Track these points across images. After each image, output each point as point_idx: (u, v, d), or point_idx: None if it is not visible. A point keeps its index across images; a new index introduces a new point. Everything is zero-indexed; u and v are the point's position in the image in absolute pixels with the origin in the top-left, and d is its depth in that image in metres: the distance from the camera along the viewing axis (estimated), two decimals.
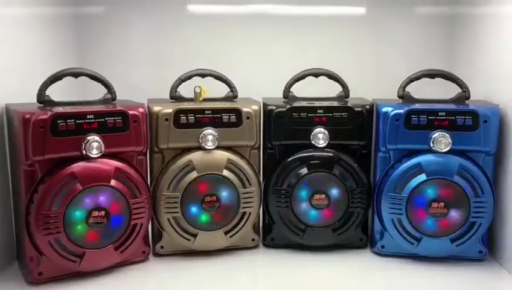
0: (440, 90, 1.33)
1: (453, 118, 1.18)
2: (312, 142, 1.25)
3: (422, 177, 1.19)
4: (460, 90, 1.28)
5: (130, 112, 1.16)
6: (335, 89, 1.37)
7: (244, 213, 1.26)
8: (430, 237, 1.20)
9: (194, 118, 1.21)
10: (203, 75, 1.32)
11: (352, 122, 1.25)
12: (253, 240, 1.31)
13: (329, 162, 1.26)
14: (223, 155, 1.23)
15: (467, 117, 1.17)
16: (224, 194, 1.24)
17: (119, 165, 1.14)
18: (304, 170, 1.26)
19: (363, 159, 1.29)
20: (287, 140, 1.27)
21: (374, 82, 1.53)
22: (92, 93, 1.23)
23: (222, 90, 1.34)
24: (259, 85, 1.42)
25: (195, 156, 1.22)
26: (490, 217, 1.19)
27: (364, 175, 1.27)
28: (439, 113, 1.19)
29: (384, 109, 1.22)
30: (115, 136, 1.14)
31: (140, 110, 1.18)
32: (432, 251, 1.22)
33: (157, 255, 1.27)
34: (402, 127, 1.20)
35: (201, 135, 1.22)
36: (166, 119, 1.20)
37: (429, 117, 1.19)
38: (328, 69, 1.34)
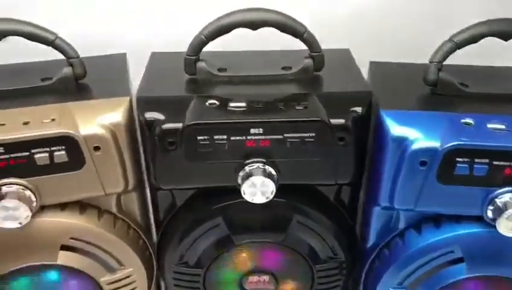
0: None
1: None
2: (243, 193, 0.59)
3: (460, 269, 0.58)
4: None
5: None
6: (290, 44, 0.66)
7: None
8: None
9: None
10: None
11: (325, 149, 0.59)
12: None
13: (276, 223, 0.63)
14: (58, 226, 0.59)
15: None
16: None
17: None
18: (226, 239, 0.63)
19: (343, 198, 0.66)
20: (187, 183, 0.62)
21: (375, 35, 0.78)
22: None
23: None
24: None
25: None
26: None
27: (344, 235, 0.65)
28: None
29: (396, 132, 0.55)
30: None
31: None
32: None
33: None
34: (433, 179, 0.54)
35: None
36: None
37: (495, 162, 0.53)
38: (282, 12, 0.61)
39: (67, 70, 0.62)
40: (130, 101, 0.60)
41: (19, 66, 0.65)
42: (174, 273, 0.66)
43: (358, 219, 0.70)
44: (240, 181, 0.59)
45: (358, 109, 0.59)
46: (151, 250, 0.68)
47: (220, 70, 0.64)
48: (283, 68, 0.65)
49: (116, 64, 0.68)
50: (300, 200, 0.63)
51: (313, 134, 0.57)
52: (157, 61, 0.69)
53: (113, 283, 0.64)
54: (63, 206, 0.60)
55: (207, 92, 0.62)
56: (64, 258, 0.60)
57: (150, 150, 0.60)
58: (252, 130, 0.57)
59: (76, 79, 0.62)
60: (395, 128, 0.55)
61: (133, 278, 0.65)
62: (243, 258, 0.65)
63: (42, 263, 0.60)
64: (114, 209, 0.64)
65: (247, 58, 0.68)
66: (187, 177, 0.60)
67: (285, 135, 0.57)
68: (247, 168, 0.58)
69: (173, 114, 0.58)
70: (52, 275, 0.62)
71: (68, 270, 0.62)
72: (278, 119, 0.57)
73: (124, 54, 0.70)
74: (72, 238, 0.60)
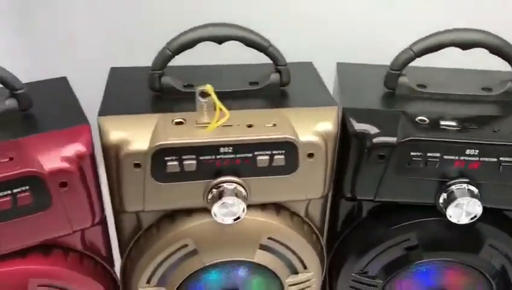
0: None
1: None
2: (448, 216, 0.59)
3: None
4: None
5: None
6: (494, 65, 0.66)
7: None
8: None
9: (195, 163, 0.56)
10: (219, 39, 0.62)
11: None
12: None
13: (469, 244, 0.63)
14: (259, 226, 0.62)
15: None
16: None
17: None
18: (415, 254, 0.64)
19: None
20: (386, 197, 0.62)
21: None
22: None
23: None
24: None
25: (198, 229, 0.61)
26: None
27: None
28: None
29: None
30: None
31: None
32: None
33: None
34: None
35: (211, 193, 0.58)
36: (137, 165, 0.56)
37: None
38: (496, 34, 0.61)
39: (274, 76, 0.64)
40: (337, 111, 0.61)
41: (225, 68, 0.68)
42: (352, 281, 0.67)
43: None
44: (442, 200, 0.59)
45: None
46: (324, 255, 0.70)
47: (419, 86, 0.65)
48: (483, 89, 0.65)
49: (307, 72, 0.70)
50: (493, 223, 0.62)
51: None
52: (346, 71, 0.70)
53: (295, 284, 0.66)
54: (262, 207, 0.62)
55: (409, 107, 0.62)
56: (260, 256, 0.63)
57: (352, 161, 0.61)
58: (468, 151, 0.57)
59: (281, 85, 0.64)
60: None
61: (311, 282, 0.67)
62: (425, 274, 0.65)
63: (238, 259, 0.63)
64: (302, 213, 0.66)
65: (445, 75, 0.68)
66: (387, 190, 0.61)
67: (501, 158, 0.57)
68: (453, 189, 0.58)
69: (383, 127, 0.59)
70: (242, 272, 0.65)
71: (257, 269, 0.64)
72: (496, 142, 0.56)
73: (311, 63, 0.72)
74: (269, 238, 0.62)
